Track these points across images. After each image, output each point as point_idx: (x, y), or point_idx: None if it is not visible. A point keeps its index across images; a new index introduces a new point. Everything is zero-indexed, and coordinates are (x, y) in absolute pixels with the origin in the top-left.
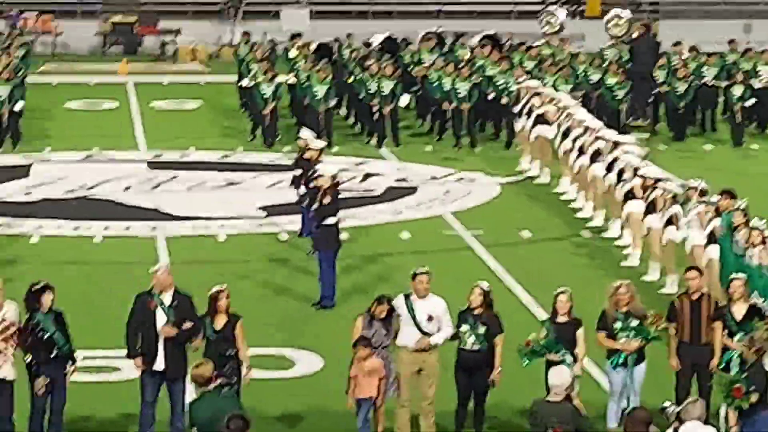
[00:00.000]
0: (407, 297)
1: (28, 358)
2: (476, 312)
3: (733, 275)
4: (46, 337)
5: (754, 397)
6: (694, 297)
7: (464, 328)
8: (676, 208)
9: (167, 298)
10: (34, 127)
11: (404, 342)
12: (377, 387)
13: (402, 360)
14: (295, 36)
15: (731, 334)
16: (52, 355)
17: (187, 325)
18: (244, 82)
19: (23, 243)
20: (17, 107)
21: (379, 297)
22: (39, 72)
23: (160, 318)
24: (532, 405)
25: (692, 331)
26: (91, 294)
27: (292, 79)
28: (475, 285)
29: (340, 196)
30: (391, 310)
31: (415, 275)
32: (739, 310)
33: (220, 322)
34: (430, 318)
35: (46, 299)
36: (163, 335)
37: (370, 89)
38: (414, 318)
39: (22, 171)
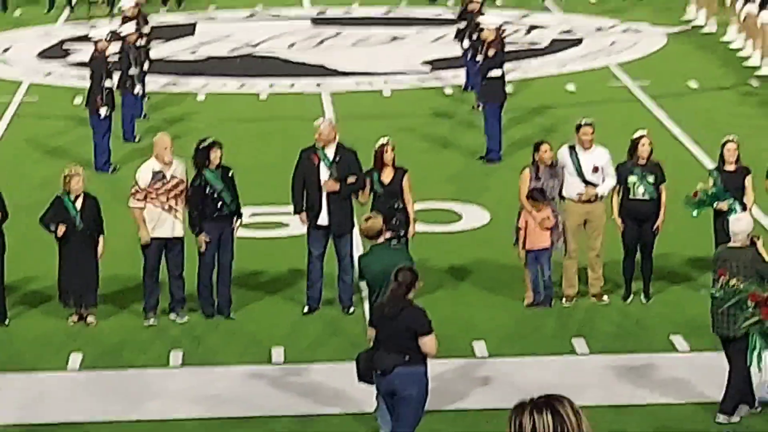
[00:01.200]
0: (572, 148)
1: (195, 214)
2: (642, 162)
3: None
4: (213, 193)
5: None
6: None
7: (633, 178)
8: None
9: (330, 152)
10: None
11: (570, 193)
12: (549, 237)
13: (568, 212)
14: None
15: None
16: (218, 212)
17: (351, 179)
18: None
19: (189, 101)
20: None
21: (536, 142)
22: None
23: (324, 172)
24: (716, 252)
25: None
26: (258, 150)
27: None
28: (640, 135)
29: (505, 49)
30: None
31: (579, 126)
32: None
33: (387, 175)
34: (595, 169)
35: (215, 156)
36: (326, 190)
37: None
38: (579, 169)
39: (188, 30)
